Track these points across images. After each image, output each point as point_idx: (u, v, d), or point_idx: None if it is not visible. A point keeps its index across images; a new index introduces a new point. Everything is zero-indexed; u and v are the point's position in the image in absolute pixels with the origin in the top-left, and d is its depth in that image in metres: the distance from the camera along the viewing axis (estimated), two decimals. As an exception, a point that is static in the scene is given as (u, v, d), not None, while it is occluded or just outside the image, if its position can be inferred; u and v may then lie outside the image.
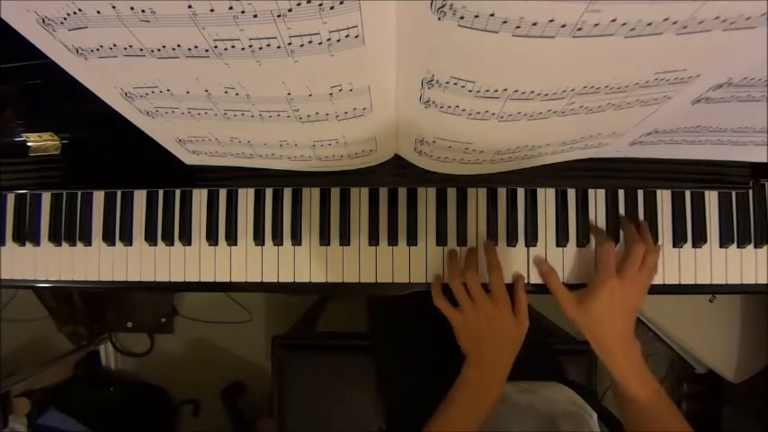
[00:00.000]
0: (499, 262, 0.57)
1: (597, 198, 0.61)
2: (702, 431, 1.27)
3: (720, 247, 0.61)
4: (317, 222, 0.62)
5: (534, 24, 0.27)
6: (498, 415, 0.58)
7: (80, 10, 0.28)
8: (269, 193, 0.62)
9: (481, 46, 0.29)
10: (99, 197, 0.64)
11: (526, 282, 0.60)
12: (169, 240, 0.63)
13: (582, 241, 0.60)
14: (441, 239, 0.60)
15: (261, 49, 0.30)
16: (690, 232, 0.60)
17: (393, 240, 0.61)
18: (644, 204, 0.61)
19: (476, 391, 0.55)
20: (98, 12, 0.28)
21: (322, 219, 0.61)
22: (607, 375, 0.56)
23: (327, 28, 0.29)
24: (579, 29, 0.27)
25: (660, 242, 0.60)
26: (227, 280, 0.62)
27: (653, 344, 1.28)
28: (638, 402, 0.52)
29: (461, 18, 0.27)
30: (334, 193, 0.62)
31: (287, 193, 0.62)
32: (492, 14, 0.26)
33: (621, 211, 0.61)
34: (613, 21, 0.27)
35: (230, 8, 0.27)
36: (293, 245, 0.62)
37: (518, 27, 0.27)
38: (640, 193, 0.61)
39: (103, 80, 0.37)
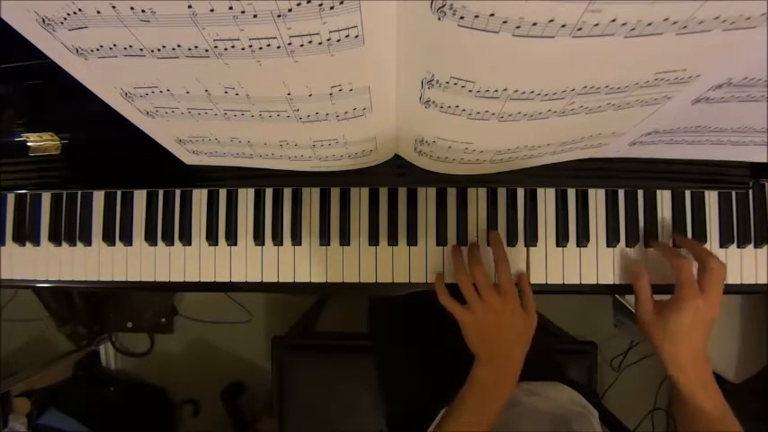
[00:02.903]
0: (506, 254, 0.56)
1: (597, 198, 0.61)
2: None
3: (720, 247, 0.61)
4: (316, 222, 0.62)
5: (534, 24, 0.27)
6: (509, 417, 0.58)
7: (80, 10, 0.28)
8: (269, 193, 0.62)
9: (481, 46, 0.29)
10: (99, 197, 0.64)
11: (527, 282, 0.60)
12: (169, 240, 0.63)
13: (582, 241, 0.60)
14: (441, 239, 0.60)
15: (261, 49, 0.30)
16: (690, 232, 0.60)
17: (393, 240, 0.61)
18: (644, 204, 0.61)
19: (488, 390, 0.53)
20: (98, 12, 0.28)
21: (322, 219, 0.61)
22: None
23: (327, 28, 0.29)
24: (579, 29, 0.27)
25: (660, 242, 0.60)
26: (227, 280, 0.62)
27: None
28: (703, 416, 0.51)
29: (461, 18, 0.27)
30: (334, 193, 0.62)
31: (287, 193, 0.62)
32: (492, 14, 0.26)
33: (622, 210, 0.61)
34: (613, 21, 0.27)
35: (230, 8, 0.27)
36: (293, 245, 0.62)
37: (518, 27, 0.27)
38: (640, 193, 0.61)
39: (103, 80, 0.37)
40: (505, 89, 0.34)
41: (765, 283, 0.60)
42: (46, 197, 0.65)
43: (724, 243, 0.60)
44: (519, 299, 0.55)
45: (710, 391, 0.52)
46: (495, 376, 0.54)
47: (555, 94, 0.35)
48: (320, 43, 0.30)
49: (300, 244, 0.62)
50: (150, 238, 0.63)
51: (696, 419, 0.52)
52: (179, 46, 0.31)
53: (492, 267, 0.58)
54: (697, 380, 0.52)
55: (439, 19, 0.28)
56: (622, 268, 0.60)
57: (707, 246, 0.60)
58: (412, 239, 0.60)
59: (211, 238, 0.62)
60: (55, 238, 0.64)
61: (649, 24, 0.27)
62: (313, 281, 0.61)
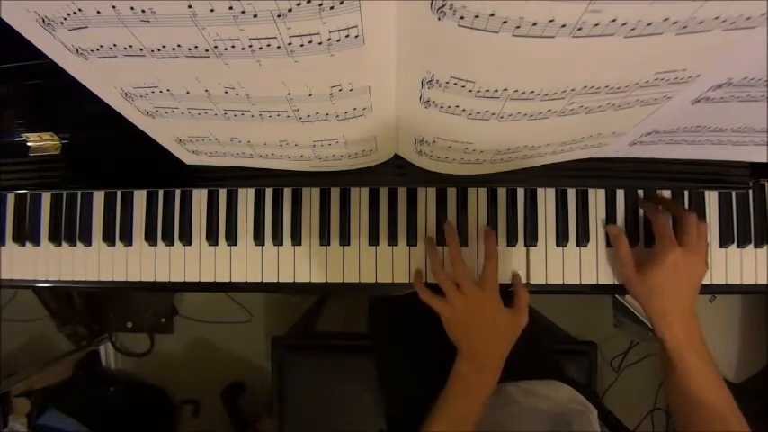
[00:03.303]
0: (497, 251, 0.56)
1: (597, 198, 0.61)
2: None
3: (720, 247, 0.61)
4: (317, 222, 0.62)
5: (534, 24, 0.27)
6: (506, 417, 0.58)
7: (80, 10, 0.28)
8: (269, 193, 0.62)
9: (481, 46, 0.29)
10: (99, 197, 0.64)
11: (526, 282, 0.60)
12: (169, 240, 0.63)
13: (582, 241, 0.60)
14: (440, 239, 0.60)
15: (261, 49, 0.30)
16: (690, 232, 0.60)
17: (393, 240, 0.61)
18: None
19: (470, 384, 0.54)
20: (98, 12, 0.28)
21: (322, 219, 0.61)
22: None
23: (327, 28, 0.29)
24: (579, 29, 0.27)
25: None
26: (227, 280, 0.62)
27: (653, 344, 1.28)
28: (693, 379, 0.50)
29: (461, 18, 0.27)
30: (334, 193, 0.62)
31: (287, 193, 0.62)
32: (492, 14, 0.26)
33: (622, 210, 0.61)
34: (613, 21, 0.27)
35: (230, 8, 0.27)
36: (293, 245, 0.62)
37: (518, 27, 0.27)
38: (640, 193, 0.61)
39: (103, 80, 0.37)
40: (505, 89, 0.34)
41: (765, 283, 0.60)
42: (46, 197, 0.65)
43: (724, 243, 0.60)
44: (499, 293, 0.55)
45: (700, 351, 0.52)
46: (477, 369, 0.54)
47: (555, 94, 0.35)
48: (320, 43, 0.30)
49: (300, 244, 0.62)
50: (150, 238, 0.63)
51: (687, 385, 0.51)
52: (179, 46, 0.31)
53: (474, 267, 0.58)
54: (685, 338, 0.52)
55: (439, 19, 0.28)
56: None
57: (708, 245, 0.60)
58: (412, 239, 0.60)
59: (211, 238, 0.62)
60: (55, 238, 0.64)
61: (649, 24, 0.27)
62: (313, 281, 0.61)
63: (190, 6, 0.27)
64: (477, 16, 0.27)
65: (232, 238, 0.62)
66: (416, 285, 0.58)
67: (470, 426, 0.52)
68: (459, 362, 0.55)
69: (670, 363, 0.53)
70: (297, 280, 0.61)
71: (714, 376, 0.51)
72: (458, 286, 0.54)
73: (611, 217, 0.60)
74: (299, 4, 0.27)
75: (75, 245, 0.64)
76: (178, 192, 0.63)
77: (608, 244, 0.60)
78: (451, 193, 0.61)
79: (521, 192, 0.61)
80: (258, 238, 0.62)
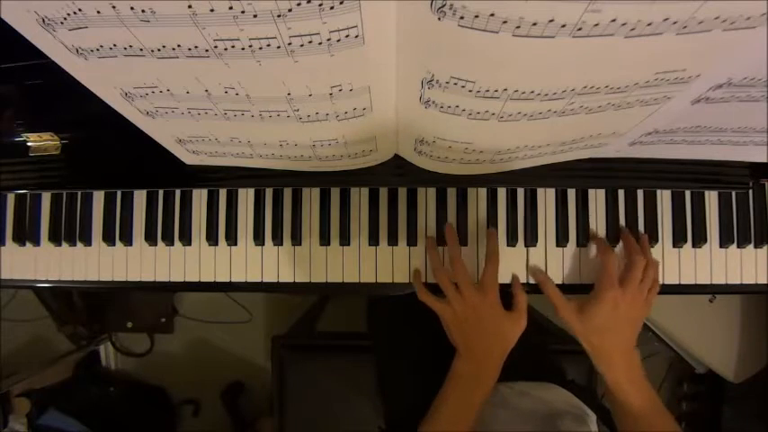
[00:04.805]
0: (498, 251, 0.57)
1: (597, 198, 0.61)
2: (702, 431, 1.27)
3: (720, 247, 0.61)
4: (316, 222, 0.61)
5: (534, 24, 0.27)
6: (496, 418, 0.58)
7: (80, 10, 0.28)
8: (269, 193, 0.62)
9: (481, 46, 0.29)
10: (99, 197, 0.64)
11: (525, 282, 0.60)
12: (169, 240, 0.63)
13: (582, 241, 0.60)
14: (441, 239, 0.60)
15: (261, 49, 0.30)
16: (690, 232, 0.60)
17: (393, 240, 0.61)
18: (644, 204, 0.61)
19: (468, 384, 0.54)
20: (98, 12, 0.28)
21: (322, 219, 0.61)
22: (601, 381, 0.55)
23: (327, 28, 0.29)
24: (579, 29, 0.27)
25: (660, 242, 0.60)
26: (227, 280, 0.62)
27: (653, 344, 1.28)
28: (634, 410, 0.52)
29: (461, 18, 0.27)
30: (334, 193, 0.62)
31: (287, 193, 0.62)
32: (492, 14, 0.26)
33: (622, 210, 0.61)
34: (613, 21, 0.27)
35: (230, 8, 0.27)
36: (293, 245, 0.62)
37: (518, 27, 0.27)
38: (640, 193, 0.61)
39: (103, 80, 0.37)
40: (505, 89, 0.34)
41: (765, 283, 0.60)
42: (46, 197, 0.65)
43: (724, 243, 0.60)
44: (499, 296, 0.55)
45: (640, 386, 0.53)
46: (474, 370, 0.54)
47: (555, 94, 0.35)
48: (320, 43, 0.30)
49: (300, 244, 0.62)
50: (150, 238, 0.63)
51: (626, 416, 0.53)
52: (179, 46, 0.31)
53: (474, 267, 0.58)
54: (625, 375, 0.53)
55: (439, 19, 0.28)
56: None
57: (707, 245, 0.60)
58: (412, 239, 0.60)
59: (211, 239, 0.62)
60: (55, 239, 0.64)
61: (649, 24, 0.27)
62: (313, 281, 0.61)
63: (190, 6, 0.27)
64: (477, 16, 0.27)
65: (232, 238, 0.62)
66: (416, 285, 0.58)
67: (466, 426, 0.53)
68: (456, 362, 0.55)
69: (612, 400, 0.55)
70: (297, 280, 0.61)
71: (653, 407, 0.53)
72: (457, 287, 0.54)
73: (611, 217, 0.60)
74: (299, 4, 0.27)
75: (75, 245, 0.64)
76: (178, 192, 0.63)
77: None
78: (451, 193, 0.61)
79: (521, 192, 0.61)
80: (258, 238, 0.62)
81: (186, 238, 0.62)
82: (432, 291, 0.57)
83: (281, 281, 0.62)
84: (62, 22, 0.29)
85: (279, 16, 0.27)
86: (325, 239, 0.61)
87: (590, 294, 0.55)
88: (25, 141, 0.58)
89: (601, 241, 0.59)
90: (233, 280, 0.62)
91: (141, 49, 0.31)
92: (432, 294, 0.56)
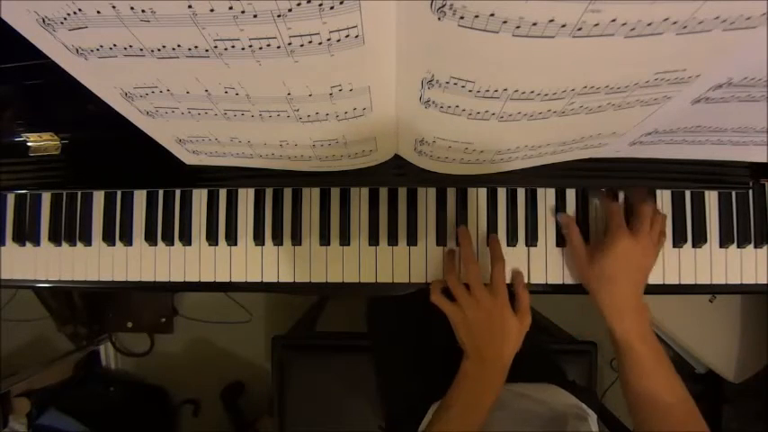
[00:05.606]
0: (503, 255, 0.57)
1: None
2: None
3: (720, 247, 0.61)
4: (317, 222, 0.62)
5: (534, 24, 0.27)
6: (497, 421, 0.58)
7: (80, 10, 0.28)
8: (269, 193, 0.62)
9: (481, 46, 0.29)
10: (99, 197, 0.64)
11: (527, 282, 0.60)
12: (169, 240, 0.63)
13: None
14: (441, 239, 0.60)
15: (261, 49, 0.30)
16: (690, 232, 0.60)
17: (393, 240, 0.61)
18: (644, 204, 0.61)
19: (477, 386, 0.54)
20: (98, 12, 0.28)
21: (322, 219, 0.61)
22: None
23: (327, 28, 0.29)
24: (579, 29, 0.27)
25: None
26: (227, 280, 0.62)
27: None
28: (641, 362, 0.51)
29: (461, 18, 0.27)
30: (334, 193, 0.62)
31: (287, 193, 0.62)
32: (492, 14, 0.26)
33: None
34: (613, 21, 0.27)
35: (230, 8, 0.27)
36: (293, 245, 0.62)
37: (518, 27, 0.27)
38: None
39: (103, 80, 0.37)
40: (505, 89, 0.34)
41: (765, 283, 0.60)
42: (46, 197, 0.65)
43: (724, 243, 0.60)
44: (510, 300, 0.55)
45: (649, 341, 0.52)
46: (483, 372, 0.54)
47: (555, 94, 0.35)
48: (320, 43, 0.30)
49: (300, 244, 0.62)
50: (150, 238, 0.63)
51: (636, 374, 0.52)
52: (179, 46, 0.31)
53: (485, 271, 0.58)
54: (634, 329, 0.52)
55: (439, 19, 0.28)
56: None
57: (707, 245, 0.60)
58: (412, 239, 0.60)
59: (211, 239, 0.62)
60: (55, 239, 0.64)
61: (649, 24, 0.27)
62: (313, 281, 0.61)
63: (190, 6, 0.27)
64: (477, 16, 0.27)
65: (232, 239, 0.62)
66: (432, 288, 0.58)
67: (474, 427, 0.52)
68: (465, 363, 0.55)
69: (619, 354, 0.54)
70: (297, 280, 0.61)
71: (663, 366, 0.52)
72: (467, 287, 0.55)
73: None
74: (299, 4, 0.27)
75: (75, 245, 0.64)
76: (178, 192, 0.63)
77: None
78: (451, 193, 0.61)
79: (521, 192, 0.61)
80: (258, 238, 0.62)
81: (186, 238, 0.62)
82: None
83: (281, 281, 0.62)
84: (62, 22, 0.29)
85: (279, 16, 0.27)
86: (325, 239, 0.61)
87: (600, 246, 0.55)
88: (25, 141, 0.58)
89: (606, 198, 0.59)
90: (233, 280, 0.62)
91: (141, 49, 0.31)
92: (444, 296, 0.56)
